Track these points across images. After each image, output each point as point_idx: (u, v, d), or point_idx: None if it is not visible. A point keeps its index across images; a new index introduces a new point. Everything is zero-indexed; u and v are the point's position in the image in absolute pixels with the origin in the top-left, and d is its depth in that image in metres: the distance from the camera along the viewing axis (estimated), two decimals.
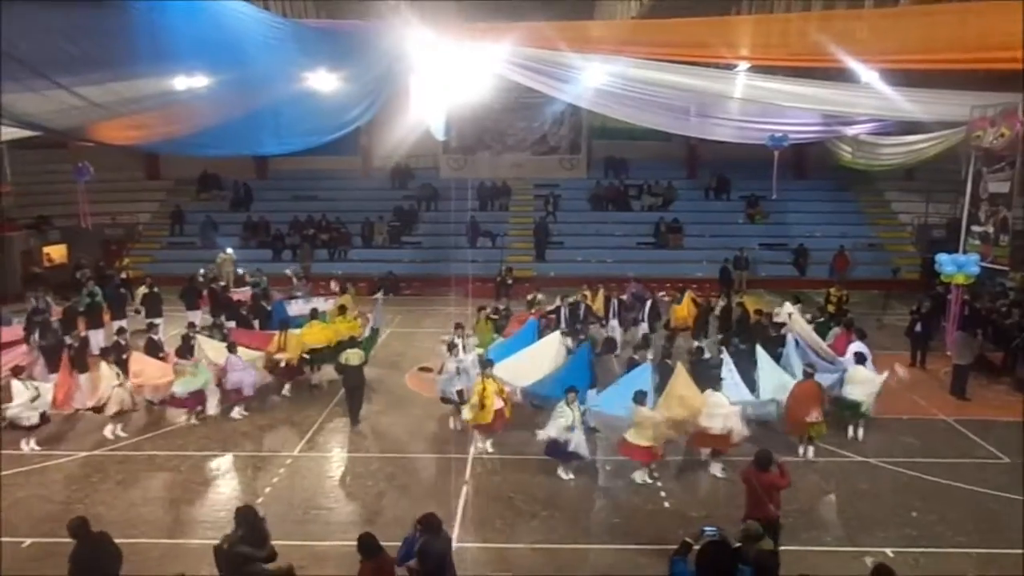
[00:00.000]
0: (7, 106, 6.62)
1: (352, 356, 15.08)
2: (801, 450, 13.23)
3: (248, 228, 31.00)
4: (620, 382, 13.40)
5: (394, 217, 31.30)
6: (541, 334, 15.97)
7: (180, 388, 14.48)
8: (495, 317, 17.79)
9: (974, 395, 16.43)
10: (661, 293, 20.74)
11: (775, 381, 13.79)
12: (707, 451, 12.87)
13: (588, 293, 19.82)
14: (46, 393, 13.69)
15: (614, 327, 19.12)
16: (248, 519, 8.11)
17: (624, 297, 19.96)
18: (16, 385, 13.43)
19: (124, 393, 14.07)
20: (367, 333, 17.35)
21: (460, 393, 14.04)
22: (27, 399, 13.31)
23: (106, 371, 14.07)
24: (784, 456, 12.93)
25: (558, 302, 19.17)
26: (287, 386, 16.53)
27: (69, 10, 6.66)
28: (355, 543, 7.86)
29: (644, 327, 18.88)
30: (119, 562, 8.17)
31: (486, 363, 13.44)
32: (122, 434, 14.12)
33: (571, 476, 12.44)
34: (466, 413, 13.31)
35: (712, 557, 6.59)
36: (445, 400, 14.50)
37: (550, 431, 12.19)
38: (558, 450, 12.28)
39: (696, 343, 17.62)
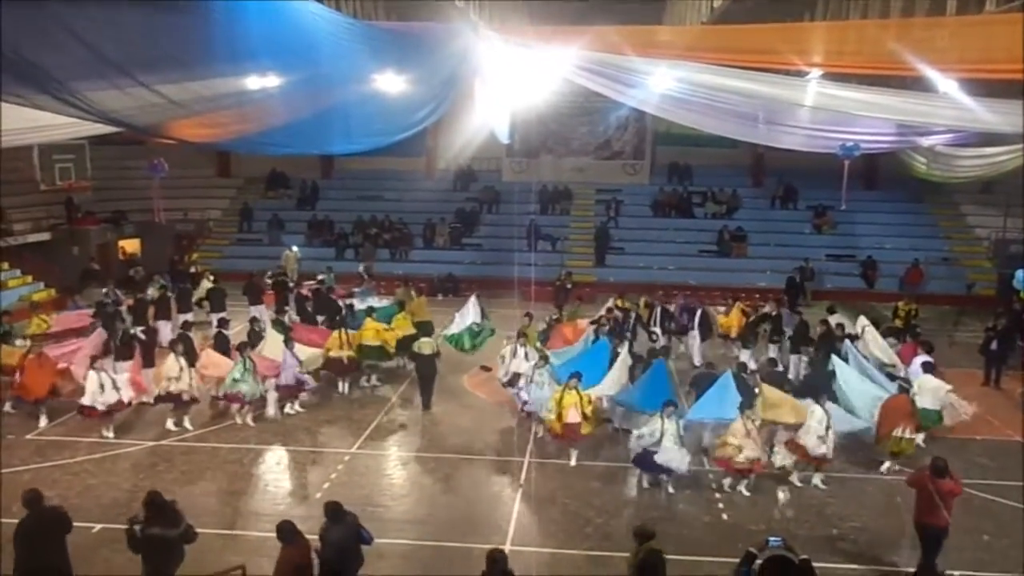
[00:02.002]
0: (96, 103, 6.86)
1: (424, 345, 15.57)
2: (886, 466, 13.05)
3: (313, 226, 31.52)
4: (710, 392, 13.15)
5: (456, 219, 31.51)
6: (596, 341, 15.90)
7: (228, 385, 14.63)
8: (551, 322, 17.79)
9: None
10: (722, 307, 20.35)
11: (869, 395, 13.55)
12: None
13: (619, 302, 19.56)
14: (120, 383, 14.05)
15: (656, 335, 18.96)
16: (156, 503, 8.30)
17: (670, 307, 19.75)
18: (91, 376, 13.80)
19: (182, 384, 14.36)
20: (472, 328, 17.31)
21: (524, 404, 14.05)
22: (95, 388, 13.69)
23: (171, 363, 14.38)
24: (855, 474, 12.74)
25: (602, 311, 19.00)
26: (345, 384, 16.74)
27: (152, 11, 6.87)
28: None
29: (695, 336, 18.74)
30: (63, 533, 8.38)
31: (573, 375, 13.16)
32: (188, 426, 14.45)
33: (646, 487, 12.29)
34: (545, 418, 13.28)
35: (776, 569, 6.42)
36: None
37: (631, 440, 12.14)
38: (646, 462, 12.09)
39: (746, 351, 17.65)
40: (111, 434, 14.02)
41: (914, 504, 9.75)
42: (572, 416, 12.77)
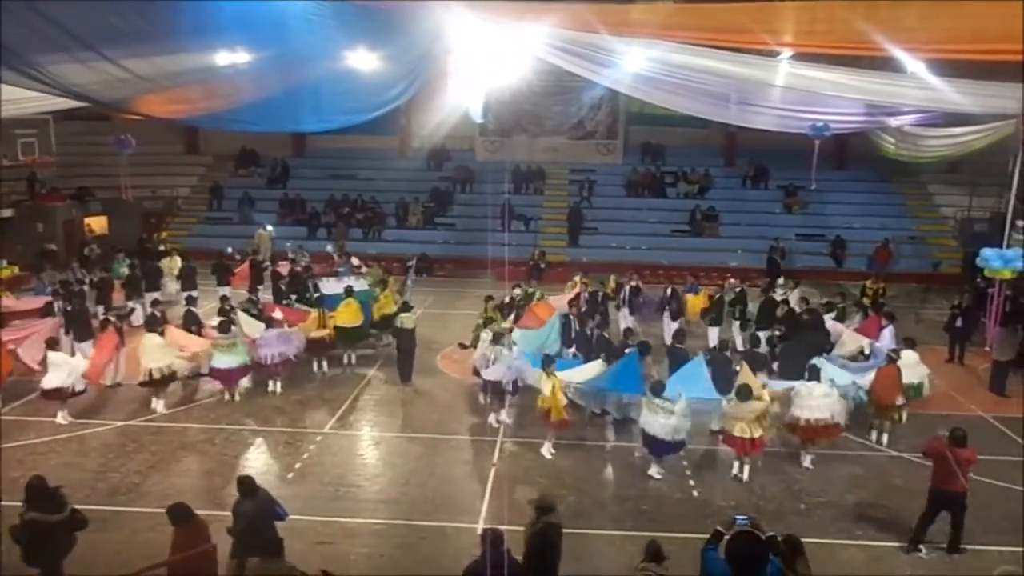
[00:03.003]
0: (59, 77, 6.72)
1: (407, 320, 15.87)
2: (875, 436, 13.52)
3: (284, 205, 31.20)
4: (676, 376, 13.18)
5: (429, 198, 31.34)
6: (566, 325, 15.82)
7: (219, 362, 14.55)
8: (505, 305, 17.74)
9: (1013, 392, 16.11)
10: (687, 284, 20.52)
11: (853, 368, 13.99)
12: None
13: (586, 282, 19.53)
14: (77, 365, 13.81)
15: (625, 315, 19.07)
16: (35, 487, 8.22)
17: (637, 285, 19.81)
18: (53, 356, 13.56)
19: (179, 362, 14.36)
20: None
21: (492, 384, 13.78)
22: (65, 371, 13.45)
23: (155, 341, 14.23)
24: (823, 450, 12.93)
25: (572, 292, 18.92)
26: (324, 363, 16.70)
27: None
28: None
29: (666, 317, 18.86)
30: None
31: (547, 361, 12.93)
32: (162, 409, 14.30)
33: (661, 475, 12.20)
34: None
35: (743, 546, 6.51)
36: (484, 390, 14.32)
37: (680, 433, 11.78)
38: (665, 446, 11.96)
39: (714, 328, 18.17)
40: (69, 418, 13.69)
41: (931, 472, 10.11)
42: (563, 399, 12.73)
